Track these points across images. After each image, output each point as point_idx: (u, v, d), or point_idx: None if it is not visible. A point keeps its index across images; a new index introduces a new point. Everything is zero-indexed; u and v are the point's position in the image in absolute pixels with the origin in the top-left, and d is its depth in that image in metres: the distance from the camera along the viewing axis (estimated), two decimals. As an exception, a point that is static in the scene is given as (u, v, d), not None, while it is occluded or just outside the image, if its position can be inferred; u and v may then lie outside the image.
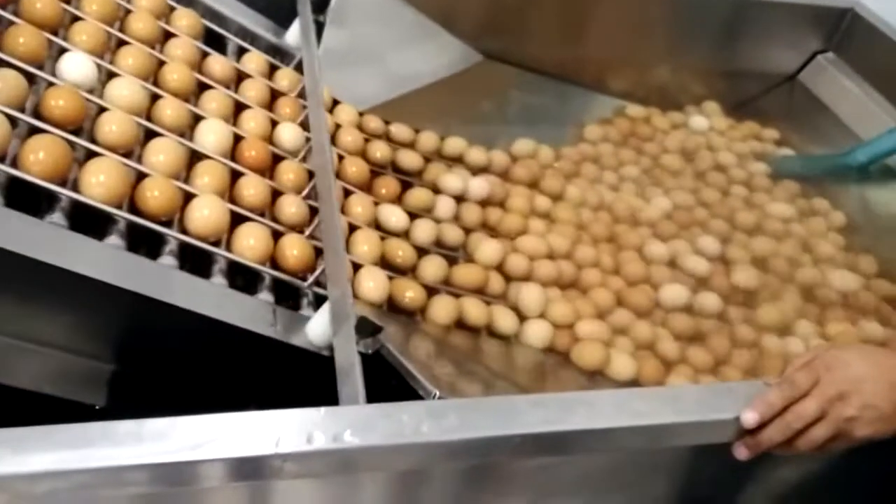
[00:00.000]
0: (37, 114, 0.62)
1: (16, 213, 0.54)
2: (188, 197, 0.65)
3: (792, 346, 0.80)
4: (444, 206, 0.90)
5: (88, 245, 0.56)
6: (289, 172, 0.76)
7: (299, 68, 0.94)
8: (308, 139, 0.81)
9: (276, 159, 0.78)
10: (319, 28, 0.99)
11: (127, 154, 0.65)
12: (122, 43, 0.75)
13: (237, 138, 0.75)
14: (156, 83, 0.74)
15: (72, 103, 0.63)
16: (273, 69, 0.93)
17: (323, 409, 0.48)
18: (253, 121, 0.79)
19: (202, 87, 0.79)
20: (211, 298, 0.58)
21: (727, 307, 0.85)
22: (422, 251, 0.81)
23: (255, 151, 0.74)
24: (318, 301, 0.66)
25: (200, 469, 0.45)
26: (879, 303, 0.91)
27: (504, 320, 0.77)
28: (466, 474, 0.54)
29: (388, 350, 0.57)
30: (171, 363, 0.61)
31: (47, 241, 0.53)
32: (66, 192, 0.57)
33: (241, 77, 0.86)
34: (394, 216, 0.83)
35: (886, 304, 0.91)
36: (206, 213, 0.63)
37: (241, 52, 0.92)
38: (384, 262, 0.76)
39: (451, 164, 0.98)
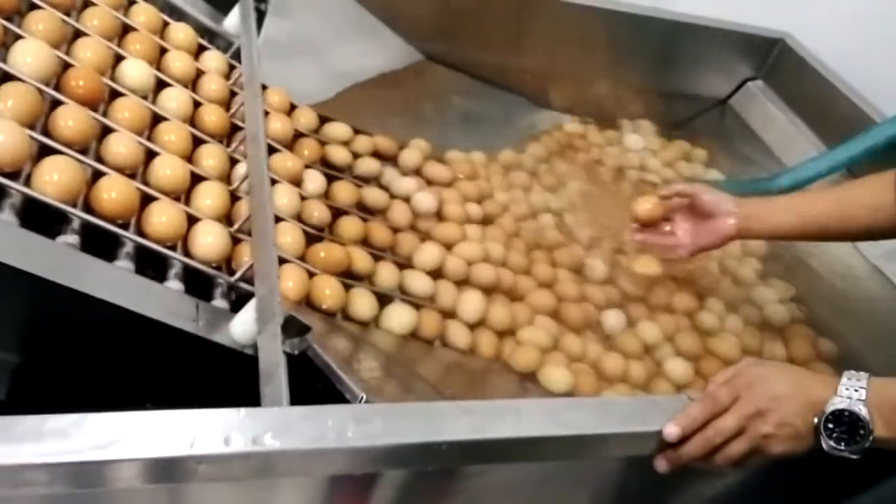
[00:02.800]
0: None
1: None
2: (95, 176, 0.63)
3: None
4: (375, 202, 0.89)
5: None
6: (209, 158, 0.73)
7: (236, 57, 0.91)
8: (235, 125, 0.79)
9: (197, 142, 0.75)
10: (260, 17, 0.96)
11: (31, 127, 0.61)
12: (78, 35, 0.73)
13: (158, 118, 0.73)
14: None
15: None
16: (202, 50, 0.89)
17: (243, 410, 0.46)
18: (175, 101, 0.76)
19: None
20: (128, 288, 0.55)
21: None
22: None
23: (174, 136, 0.72)
24: (234, 295, 0.64)
25: (108, 470, 0.42)
26: (789, 326, 0.94)
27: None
28: (393, 481, 0.52)
29: (315, 351, 0.55)
30: (83, 356, 0.57)
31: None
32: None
33: (164, 51, 0.83)
34: (316, 211, 0.80)
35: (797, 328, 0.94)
36: (113, 195, 0.61)
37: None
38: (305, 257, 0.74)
39: (384, 163, 0.96)
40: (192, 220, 0.66)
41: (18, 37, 0.66)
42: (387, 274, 0.78)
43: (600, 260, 0.93)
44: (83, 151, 0.63)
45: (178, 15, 0.91)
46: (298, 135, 0.91)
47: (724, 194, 0.85)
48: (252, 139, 0.72)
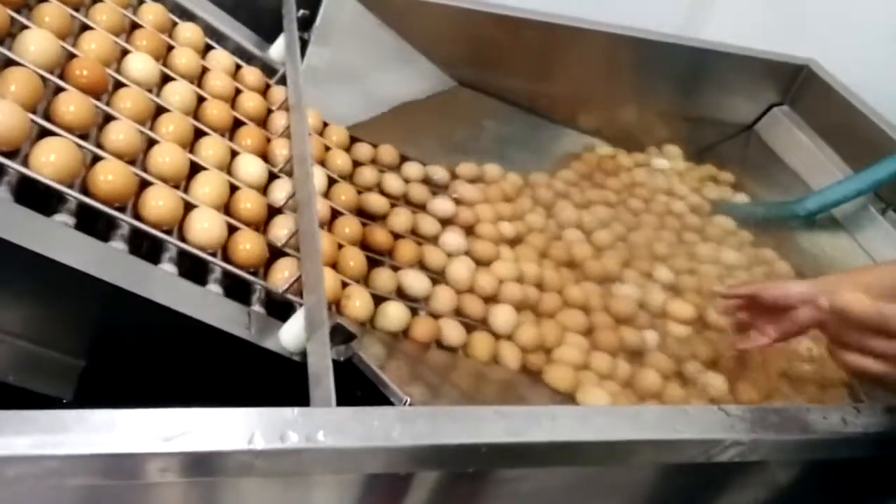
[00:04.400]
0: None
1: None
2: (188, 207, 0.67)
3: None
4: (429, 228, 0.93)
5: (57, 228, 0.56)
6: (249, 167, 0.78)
7: (282, 82, 0.95)
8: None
9: (236, 153, 0.79)
10: (303, 45, 1.01)
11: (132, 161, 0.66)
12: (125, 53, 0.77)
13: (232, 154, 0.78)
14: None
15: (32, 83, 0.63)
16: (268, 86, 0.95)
17: (296, 410, 0.49)
18: (250, 138, 0.81)
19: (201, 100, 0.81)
20: (190, 297, 0.59)
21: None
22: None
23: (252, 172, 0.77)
24: (273, 305, 0.67)
25: (173, 461, 0.45)
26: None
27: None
28: (430, 482, 0.55)
29: (360, 358, 0.58)
30: (141, 360, 0.61)
31: (21, 224, 0.53)
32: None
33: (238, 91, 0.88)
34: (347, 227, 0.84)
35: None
36: (205, 226, 0.66)
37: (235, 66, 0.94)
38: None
39: (430, 188, 1.01)
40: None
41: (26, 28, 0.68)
42: (416, 284, 0.83)
43: (631, 283, 0.96)
44: (177, 186, 0.68)
45: (221, 39, 0.96)
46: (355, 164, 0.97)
47: (793, 282, 0.81)
48: (299, 160, 0.76)
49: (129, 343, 0.62)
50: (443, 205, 0.97)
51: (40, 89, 0.64)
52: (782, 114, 1.34)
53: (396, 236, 0.89)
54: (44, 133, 0.62)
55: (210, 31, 0.93)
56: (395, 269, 0.84)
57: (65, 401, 0.61)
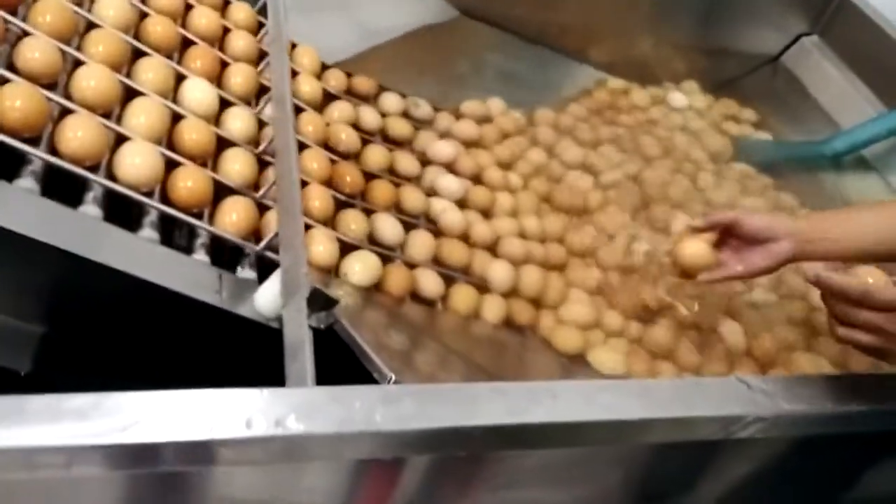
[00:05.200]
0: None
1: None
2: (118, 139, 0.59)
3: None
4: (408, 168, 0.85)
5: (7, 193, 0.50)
6: (237, 120, 0.70)
7: (262, 12, 0.87)
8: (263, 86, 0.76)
9: (224, 104, 0.72)
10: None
11: (50, 86, 0.58)
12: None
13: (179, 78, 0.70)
14: (137, 35, 0.69)
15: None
16: (226, 3, 0.85)
17: (265, 391, 0.43)
18: (200, 59, 0.73)
19: (186, 41, 0.73)
20: (148, 259, 0.53)
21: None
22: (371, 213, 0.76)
23: (199, 97, 0.69)
24: (261, 266, 0.61)
25: (127, 453, 0.40)
26: None
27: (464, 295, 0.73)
28: (423, 464, 0.50)
29: (342, 326, 0.53)
30: (103, 327, 0.56)
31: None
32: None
33: (188, 6, 0.79)
34: (348, 175, 0.77)
35: None
36: (137, 161, 0.57)
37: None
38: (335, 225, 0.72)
39: (417, 125, 0.93)
40: (218, 189, 0.63)
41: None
42: (419, 243, 0.75)
43: (644, 237, 0.89)
44: (106, 115, 0.61)
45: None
46: (329, 96, 0.88)
47: (776, 216, 0.75)
48: (278, 101, 0.69)
49: (91, 308, 0.56)
50: (443, 149, 0.90)
51: (59, 63, 0.58)
52: (811, 44, 1.24)
53: (371, 176, 0.81)
54: (64, 112, 0.56)
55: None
56: (369, 212, 0.76)
57: (22, 373, 0.56)
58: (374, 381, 0.52)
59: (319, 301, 0.53)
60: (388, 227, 0.74)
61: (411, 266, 0.73)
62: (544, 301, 0.79)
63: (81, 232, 0.52)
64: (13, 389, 0.44)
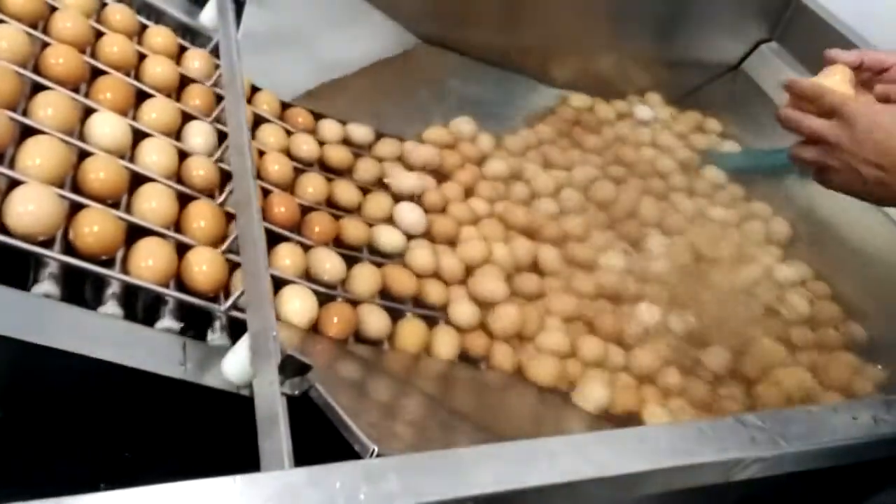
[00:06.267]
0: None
1: None
2: (73, 208, 0.55)
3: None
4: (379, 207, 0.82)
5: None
6: (198, 169, 0.67)
7: (214, 53, 0.84)
8: (222, 134, 0.72)
9: (182, 155, 0.68)
10: (238, 8, 0.89)
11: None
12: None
13: (137, 135, 0.66)
14: (36, 68, 0.63)
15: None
16: (182, 51, 0.82)
17: (239, 479, 0.40)
18: (156, 112, 0.69)
19: (95, 71, 0.68)
20: (102, 335, 0.49)
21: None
22: (351, 259, 0.73)
23: (157, 156, 0.64)
24: (232, 325, 0.58)
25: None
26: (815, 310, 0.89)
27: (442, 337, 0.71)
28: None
29: (318, 392, 0.50)
30: (67, 410, 0.52)
31: None
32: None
33: (142, 57, 0.75)
34: (317, 225, 0.74)
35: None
36: (95, 230, 0.54)
37: (144, 28, 0.80)
38: (308, 277, 0.68)
39: (382, 160, 0.90)
40: (181, 250, 0.60)
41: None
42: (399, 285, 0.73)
43: (621, 251, 0.87)
44: (61, 185, 0.57)
45: (157, 15, 0.84)
46: (289, 133, 0.84)
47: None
48: (236, 149, 0.65)
49: (48, 391, 0.52)
50: (406, 180, 0.87)
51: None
52: (771, 51, 1.24)
53: (307, 209, 0.76)
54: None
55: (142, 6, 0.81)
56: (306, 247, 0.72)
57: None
58: (352, 449, 0.49)
59: (293, 367, 0.50)
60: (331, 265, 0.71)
61: (355, 303, 0.69)
62: (522, 333, 0.76)
63: (29, 315, 0.48)
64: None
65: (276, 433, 0.45)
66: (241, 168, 0.63)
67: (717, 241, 0.93)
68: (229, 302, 0.57)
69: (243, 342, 0.53)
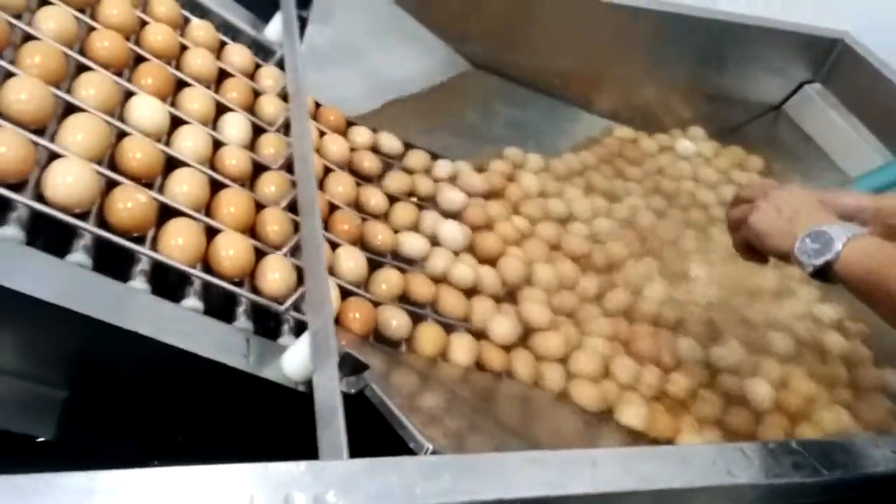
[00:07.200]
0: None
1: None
2: (109, 186, 0.58)
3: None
4: (433, 224, 0.85)
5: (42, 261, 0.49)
6: (270, 184, 0.70)
7: (279, 66, 0.88)
8: (257, 127, 0.76)
9: (257, 168, 0.72)
10: (302, 24, 0.93)
11: (99, 161, 0.58)
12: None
13: (175, 122, 0.68)
14: (82, 50, 0.67)
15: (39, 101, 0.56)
16: (222, 45, 0.85)
17: (303, 464, 0.42)
18: (235, 127, 0.73)
19: (139, 59, 0.72)
20: (179, 325, 0.52)
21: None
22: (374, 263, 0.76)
23: (235, 160, 0.68)
24: (299, 327, 0.61)
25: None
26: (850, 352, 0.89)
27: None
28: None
29: (374, 391, 0.52)
30: (129, 392, 0.55)
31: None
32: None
33: (221, 74, 0.80)
34: (380, 235, 0.77)
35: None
36: (128, 206, 0.56)
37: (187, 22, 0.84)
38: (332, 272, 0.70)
39: (411, 172, 0.93)
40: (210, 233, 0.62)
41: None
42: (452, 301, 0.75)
43: (658, 281, 0.89)
44: (149, 185, 0.60)
45: (232, 32, 0.88)
46: (352, 150, 0.88)
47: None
48: (300, 157, 0.68)
49: (111, 373, 0.55)
50: (454, 196, 0.90)
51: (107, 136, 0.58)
52: (814, 92, 1.26)
53: (334, 207, 0.78)
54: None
55: (192, 5, 0.85)
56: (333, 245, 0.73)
57: (44, 439, 0.54)
58: (406, 446, 0.51)
59: (350, 365, 0.52)
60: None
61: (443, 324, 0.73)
62: (562, 354, 0.78)
63: (106, 296, 0.51)
64: (36, 456, 0.43)
65: (334, 426, 0.47)
66: (304, 175, 0.66)
67: (757, 275, 0.94)
68: (289, 301, 0.60)
69: (302, 340, 0.55)
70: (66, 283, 0.49)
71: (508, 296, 0.82)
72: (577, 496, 0.46)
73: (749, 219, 0.66)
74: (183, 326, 0.52)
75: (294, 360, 0.55)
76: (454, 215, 0.88)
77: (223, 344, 0.54)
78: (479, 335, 0.75)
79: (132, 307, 0.50)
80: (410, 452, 0.49)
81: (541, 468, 0.46)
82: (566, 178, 1.03)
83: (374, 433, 0.54)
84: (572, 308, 0.83)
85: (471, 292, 0.79)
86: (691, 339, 0.81)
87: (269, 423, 0.57)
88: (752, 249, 0.68)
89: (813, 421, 0.77)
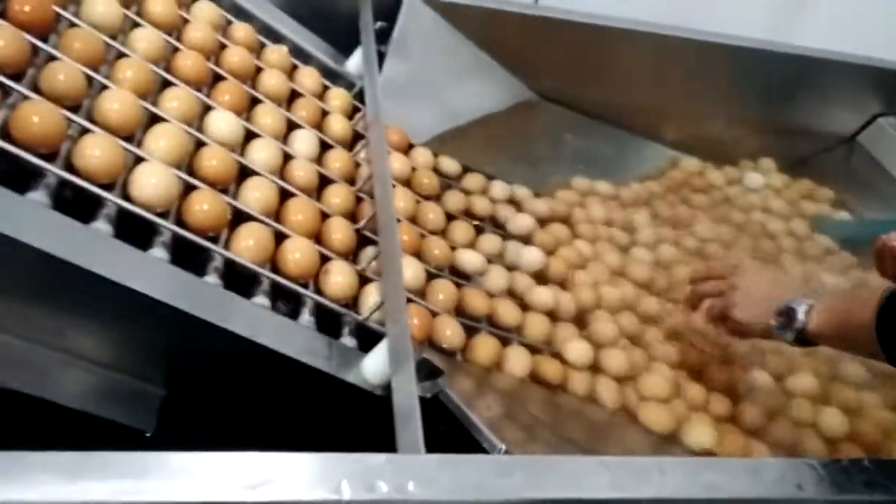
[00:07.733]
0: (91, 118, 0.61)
1: (66, 219, 0.52)
2: (186, 190, 0.63)
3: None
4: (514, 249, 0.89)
5: (142, 259, 0.54)
6: (336, 196, 0.76)
7: (357, 97, 0.93)
8: (324, 143, 0.81)
9: (324, 182, 0.77)
10: (380, 58, 0.99)
11: (179, 167, 0.64)
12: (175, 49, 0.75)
13: (249, 135, 0.74)
14: (167, 67, 0.73)
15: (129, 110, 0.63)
16: (324, 89, 0.92)
17: (384, 456, 0.45)
18: (304, 142, 0.79)
19: (218, 77, 0.78)
20: (270, 327, 0.56)
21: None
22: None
23: (303, 172, 0.74)
24: (361, 335, 0.64)
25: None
26: None
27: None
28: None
29: (448, 396, 0.55)
30: (222, 390, 0.59)
31: (97, 250, 0.52)
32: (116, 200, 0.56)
33: (294, 94, 0.86)
34: (436, 249, 0.81)
35: None
36: (205, 208, 0.62)
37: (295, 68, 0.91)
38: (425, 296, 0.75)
39: (469, 193, 0.96)
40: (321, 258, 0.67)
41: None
42: (507, 314, 0.78)
43: None
44: (224, 191, 0.66)
45: (302, 56, 0.95)
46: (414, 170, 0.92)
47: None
48: (379, 179, 0.73)
49: (209, 372, 0.60)
50: (522, 221, 0.93)
51: (186, 145, 0.65)
52: (888, 124, 1.24)
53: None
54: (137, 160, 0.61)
55: (268, 31, 0.92)
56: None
57: (147, 434, 0.59)
58: (473, 449, 0.53)
59: (426, 370, 0.55)
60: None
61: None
62: (629, 376, 0.79)
63: (208, 298, 0.55)
64: (134, 446, 0.47)
65: (412, 424, 0.50)
66: (383, 197, 0.71)
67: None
68: (371, 311, 0.64)
69: (382, 346, 0.59)
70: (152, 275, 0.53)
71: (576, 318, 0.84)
72: (643, 500, 0.47)
73: (729, 312, 0.73)
74: (270, 326, 0.56)
75: (373, 364, 0.58)
76: (523, 239, 0.91)
77: (308, 347, 0.57)
78: (556, 356, 0.77)
79: (231, 310, 0.55)
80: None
81: (608, 471, 0.48)
82: (633, 204, 1.05)
83: (445, 437, 0.57)
84: (637, 331, 0.85)
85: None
86: (764, 373, 0.81)
87: (342, 424, 0.60)
88: (720, 321, 0.75)
89: (886, 450, 0.75)
